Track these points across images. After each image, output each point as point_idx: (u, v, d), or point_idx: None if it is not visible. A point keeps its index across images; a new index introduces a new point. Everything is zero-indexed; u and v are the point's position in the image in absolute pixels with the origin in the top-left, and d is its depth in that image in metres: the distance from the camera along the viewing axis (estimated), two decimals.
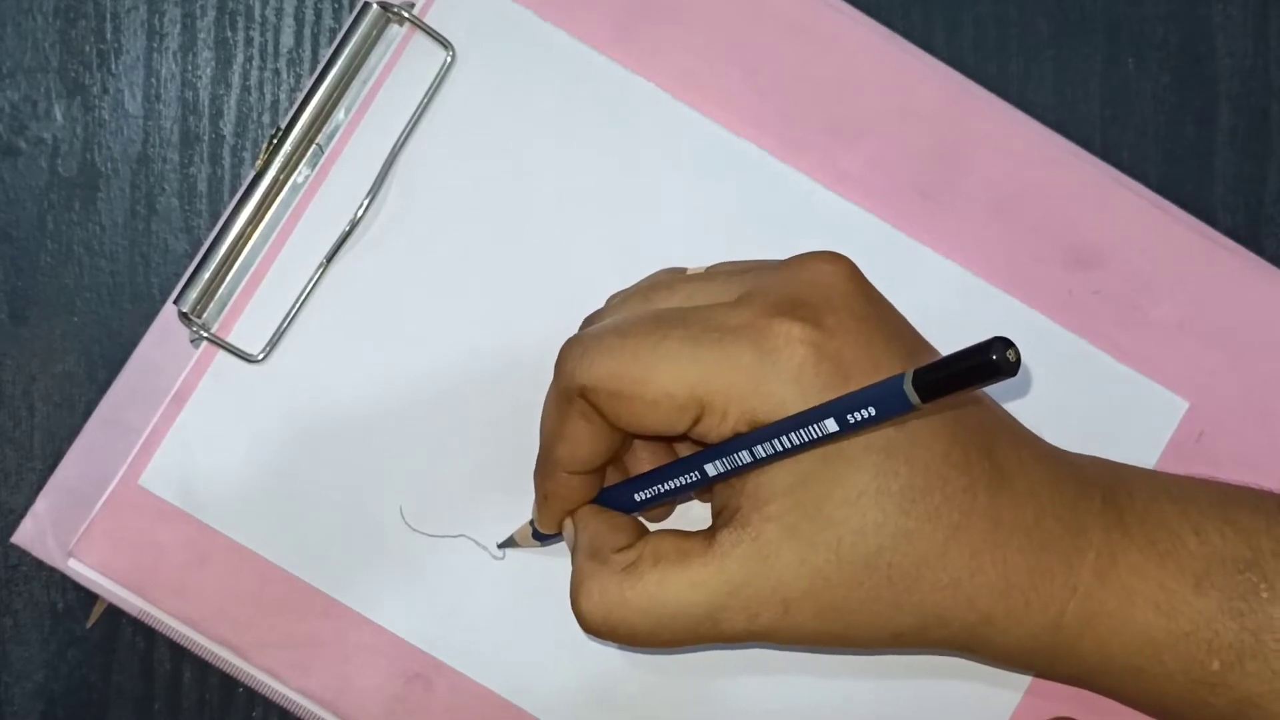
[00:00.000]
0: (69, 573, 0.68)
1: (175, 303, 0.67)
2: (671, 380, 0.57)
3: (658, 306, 0.61)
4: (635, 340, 0.58)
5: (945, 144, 0.69)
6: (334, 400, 0.68)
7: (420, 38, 0.69)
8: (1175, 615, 0.59)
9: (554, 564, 0.67)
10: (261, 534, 0.68)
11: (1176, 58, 0.72)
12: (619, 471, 0.65)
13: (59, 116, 0.70)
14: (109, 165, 0.70)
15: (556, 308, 0.66)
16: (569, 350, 0.60)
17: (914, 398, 0.51)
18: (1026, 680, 0.68)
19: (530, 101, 0.69)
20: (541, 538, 0.66)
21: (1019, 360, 0.49)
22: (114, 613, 0.69)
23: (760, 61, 0.69)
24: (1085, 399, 0.68)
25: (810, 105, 0.69)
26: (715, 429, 0.58)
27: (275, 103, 0.71)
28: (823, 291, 0.58)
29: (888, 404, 0.53)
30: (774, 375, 0.56)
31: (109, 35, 0.70)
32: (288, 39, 0.71)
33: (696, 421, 0.58)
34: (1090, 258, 0.69)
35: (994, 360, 0.48)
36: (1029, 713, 0.68)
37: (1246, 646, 0.59)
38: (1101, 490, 0.61)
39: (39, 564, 0.69)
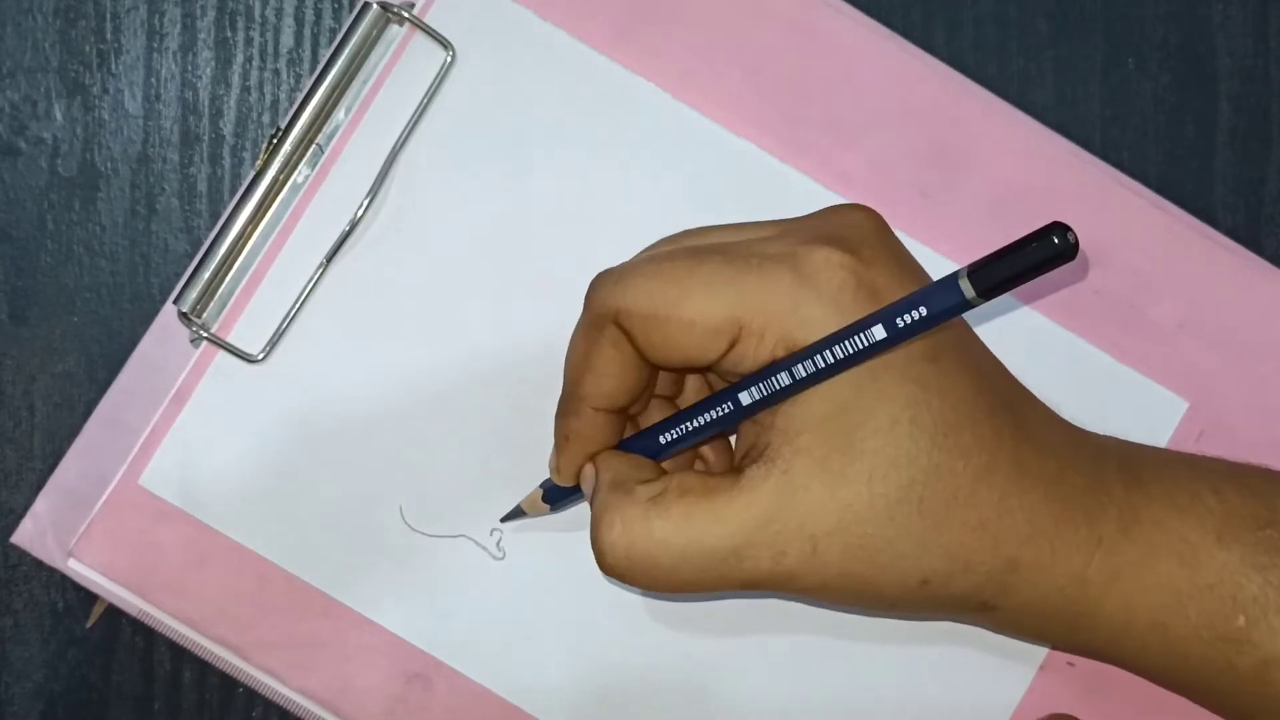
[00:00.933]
0: (69, 573, 0.68)
1: (175, 303, 0.67)
2: (708, 302, 0.57)
3: (690, 244, 0.61)
4: (671, 264, 0.58)
5: (945, 144, 0.69)
6: (334, 400, 0.68)
7: (420, 38, 0.69)
8: (1199, 567, 0.59)
9: (554, 563, 0.67)
10: (261, 534, 0.68)
11: (1176, 58, 0.72)
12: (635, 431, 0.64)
13: (59, 116, 0.70)
14: (109, 165, 0.70)
15: (556, 307, 0.65)
16: (603, 279, 0.59)
17: (969, 292, 0.50)
18: (1034, 667, 0.68)
19: (530, 101, 0.69)
20: (554, 499, 0.65)
21: (1078, 243, 0.48)
22: (114, 613, 0.69)
23: (760, 61, 0.69)
24: (1085, 398, 0.68)
25: (810, 105, 0.69)
26: (751, 354, 0.57)
27: (275, 103, 0.71)
28: (858, 231, 0.58)
29: (941, 301, 0.52)
30: (813, 298, 0.56)
31: (109, 35, 0.70)
32: (288, 39, 0.71)
33: (731, 346, 0.57)
34: (1091, 257, 0.69)
35: (1055, 243, 0.47)
36: (1036, 698, 0.68)
37: (1271, 601, 0.59)
38: (1117, 457, 0.61)
39: (39, 564, 0.69)
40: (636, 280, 0.58)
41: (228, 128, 0.70)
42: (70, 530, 0.68)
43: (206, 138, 0.70)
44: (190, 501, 0.68)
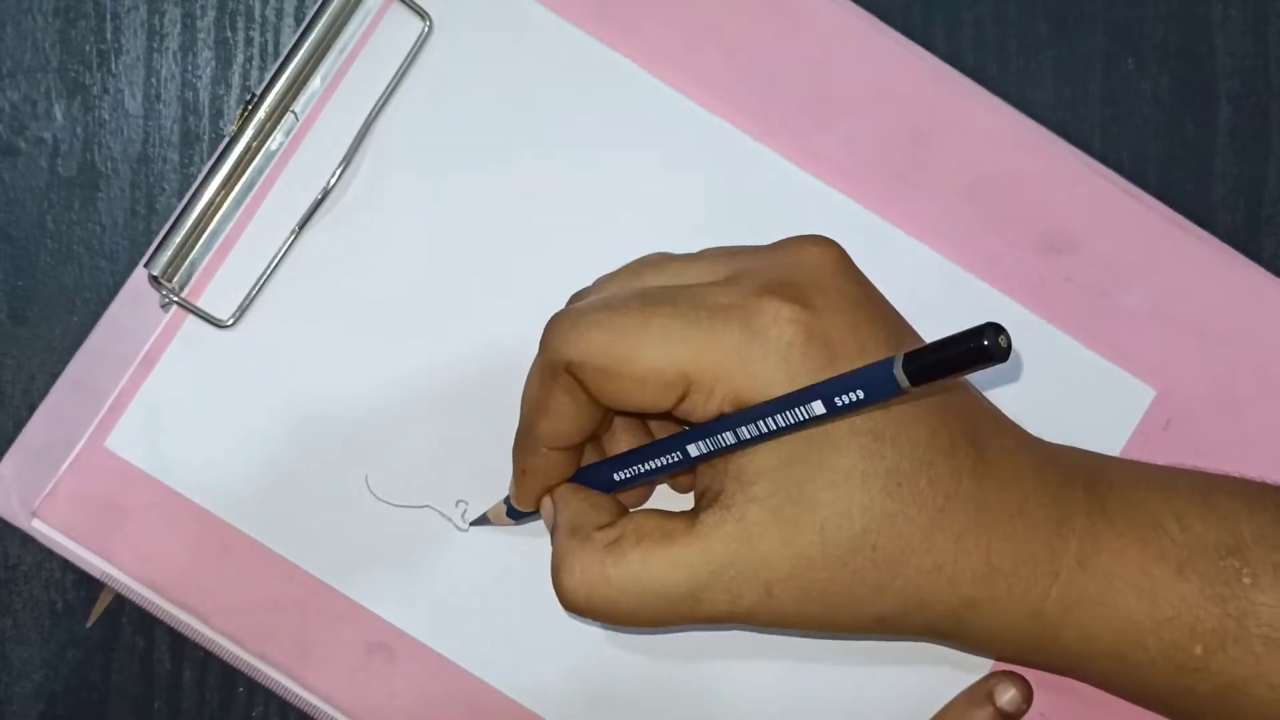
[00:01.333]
0: (32, 532, 0.68)
1: (145, 266, 0.67)
2: (659, 357, 0.57)
3: (646, 284, 0.61)
4: (623, 316, 0.58)
5: (920, 127, 0.69)
6: (302, 367, 0.68)
7: (398, 7, 0.69)
8: (1157, 600, 0.59)
9: (518, 538, 0.68)
10: (225, 499, 0.68)
11: (1176, 58, 0.71)
12: (596, 451, 0.65)
13: (59, 116, 0.71)
14: (109, 165, 0.70)
15: (527, 279, 0.66)
16: (555, 325, 0.59)
17: (903, 381, 0.51)
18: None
19: (507, 75, 0.69)
20: (516, 515, 0.66)
21: (1010, 346, 0.49)
22: (114, 612, 0.69)
23: (738, 41, 0.69)
24: (1053, 385, 0.68)
25: (787, 86, 0.69)
26: (700, 408, 0.58)
27: None
28: (811, 274, 0.58)
29: (876, 387, 0.53)
30: (761, 355, 0.56)
31: (109, 35, 0.71)
32: (288, 39, 0.71)
33: (682, 399, 0.58)
34: (1062, 244, 0.69)
35: (986, 345, 0.48)
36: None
37: (1229, 632, 0.59)
38: (1084, 479, 0.61)
39: (39, 564, 0.69)
40: (588, 332, 0.58)
41: (228, 128, 0.70)
42: (35, 491, 0.68)
43: (206, 138, 0.71)
44: (156, 465, 0.68)
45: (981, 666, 0.67)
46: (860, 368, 0.53)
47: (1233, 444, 0.67)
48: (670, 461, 0.60)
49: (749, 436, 0.56)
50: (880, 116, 0.69)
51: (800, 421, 0.55)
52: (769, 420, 0.56)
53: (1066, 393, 0.68)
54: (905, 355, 0.51)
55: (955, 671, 0.67)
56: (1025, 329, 0.68)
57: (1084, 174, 0.69)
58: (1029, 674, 0.66)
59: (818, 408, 0.54)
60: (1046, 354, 0.68)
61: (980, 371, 0.50)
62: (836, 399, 0.54)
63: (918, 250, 0.68)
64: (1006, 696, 0.65)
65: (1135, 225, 0.69)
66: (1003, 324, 0.49)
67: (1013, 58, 0.71)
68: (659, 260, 0.62)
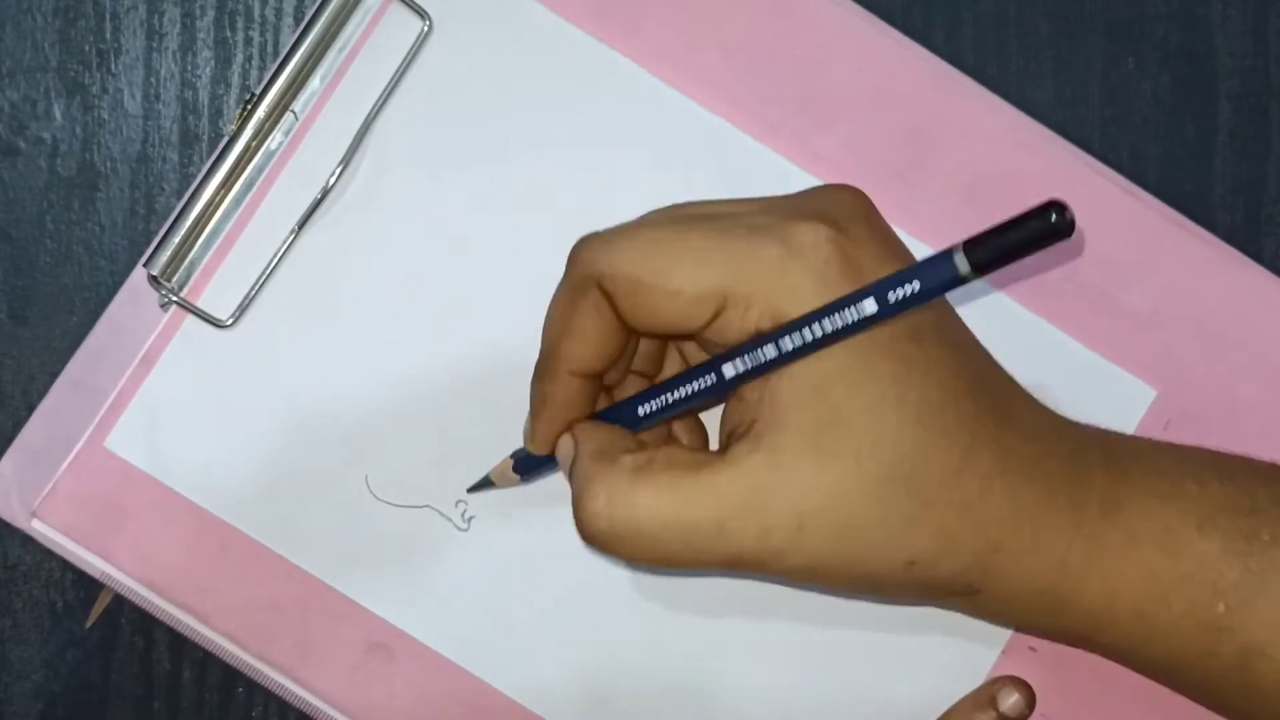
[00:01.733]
0: (32, 533, 0.68)
1: (145, 265, 0.67)
2: (695, 270, 0.56)
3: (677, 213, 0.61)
4: (659, 230, 0.58)
5: (920, 127, 0.69)
6: (302, 367, 0.68)
7: (397, 6, 0.69)
8: (1179, 555, 0.59)
9: (519, 536, 0.68)
10: (225, 499, 0.68)
11: (1176, 58, 0.71)
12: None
13: (58, 116, 0.70)
14: (108, 165, 0.70)
15: (527, 279, 0.65)
16: (588, 242, 0.59)
17: (964, 267, 0.50)
18: (996, 650, 0.68)
19: (506, 75, 0.69)
20: (525, 470, 0.65)
21: (1074, 222, 0.48)
22: (113, 613, 0.69)
23: (738, 40, 0.69)
24: (1054, 385, 0.67)
25: (787, 85, 0.69)
26: (736, 324, 0.57)
27: None
28: (846, 209, 0.58)
29: (934, 275, 0.52)
30: (800, 270, 0.56)
31: (108, 35, 0.71)
32: (287, 39, 0.71)
33: (716, 316, 0.57)
34: (1063, 244, 0.68)
35: (1052, 221, 0.47)
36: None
37: (1252, 588, 0.59)
38: (1099, 444, 0.61)
39: (39, 564, 0.69)
40: (623, 245, 0.58)
41: (227, 127, 0.70)
42: (35, 490, 0.68)
43: (206, 137, 0.71)
44: (155, 465, 0.68)
45: (984, 669, 0.67)
46: (915, 263, 0.53)
47: (1233, 444, 0.66)
48: (703, 387, 0.58)
49: (792, 348, 0.55)
50: (880, 116, 0.69)
51: (848, 326, 0.54)
52: (815, 327, 0.54)
53: (1067, 393, 0.67)
54: (965, 242, 0.50)
55: (958, 675, 0.67)
56: (1026, 329, 0.68)
57: (1084, 174, 0.69)
58: (1031, 677, 0.66)
59: (869, 306, 0.53)
60: (1047, 353, 0.68)
61: None
62: (890, 293, 0.53)
63: (920, 250, 0.67)
64: (1010, 701, 0.65)
65: (1135, 225, 0.69)
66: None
67: (1013, 58, 0.71)
68: (687, 203, 0.61)
